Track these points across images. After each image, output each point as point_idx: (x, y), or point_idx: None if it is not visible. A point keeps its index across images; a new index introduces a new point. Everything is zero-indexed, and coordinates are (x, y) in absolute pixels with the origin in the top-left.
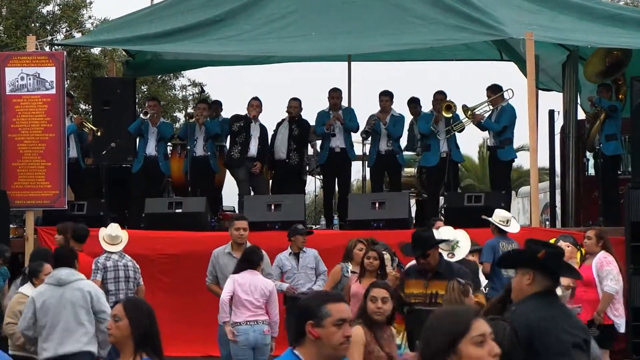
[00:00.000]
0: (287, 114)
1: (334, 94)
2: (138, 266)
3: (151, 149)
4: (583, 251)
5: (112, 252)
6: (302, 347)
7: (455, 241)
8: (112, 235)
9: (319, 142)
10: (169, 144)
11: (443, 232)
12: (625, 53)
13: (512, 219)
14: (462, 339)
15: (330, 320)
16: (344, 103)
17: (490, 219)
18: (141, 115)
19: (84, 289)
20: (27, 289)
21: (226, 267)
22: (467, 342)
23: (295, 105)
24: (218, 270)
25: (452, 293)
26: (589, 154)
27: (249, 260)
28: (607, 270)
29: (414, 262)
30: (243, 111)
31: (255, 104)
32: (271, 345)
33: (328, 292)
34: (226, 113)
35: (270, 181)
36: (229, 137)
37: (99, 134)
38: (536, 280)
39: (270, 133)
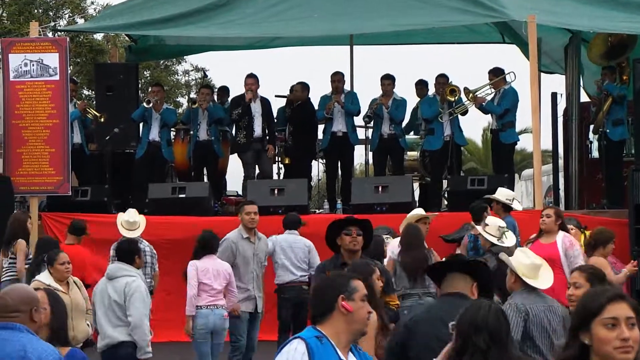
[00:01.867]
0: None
1: (336, 78)
2: (155, 252)
3: (154, 135)
4: (587, 233)
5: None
6: (327, 322)
7: (505, 228)
8: (130, 221)
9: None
10: (172, 129)
11: (490, 222)
12: (630, 36)
13: (515, 199)
14: (594, 320)
15: (359, 295)
16: (347, 87)
17: (496, 197)
18: (144, 103)
19: (123, 285)
20: (44, 277)
21: (245, 251)
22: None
23: (298, 88)
24: (238, 256)
25: None
26: (592, 136)
27: (208, 246)
28: (577, 250)
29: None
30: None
31: (250, 82)
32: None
33: (348, 272)
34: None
35: (283, 167)
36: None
37: (102, 120)
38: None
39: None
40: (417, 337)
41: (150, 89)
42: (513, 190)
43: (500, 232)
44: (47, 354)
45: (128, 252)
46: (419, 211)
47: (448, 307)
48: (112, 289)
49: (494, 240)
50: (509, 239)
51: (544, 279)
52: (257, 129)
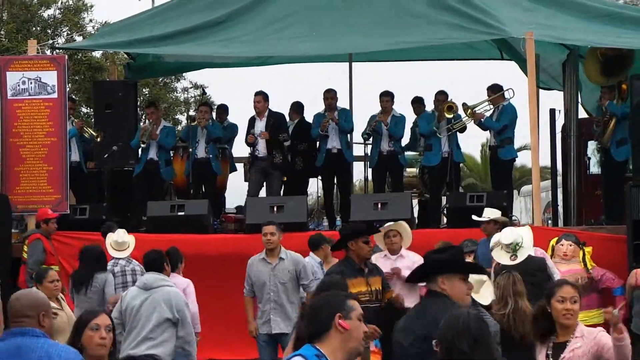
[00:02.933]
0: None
1: (329, 95)
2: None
3: (152, 154)
4: (587, 250)
5: (119, 258)
6: (324, 341)
7: (515, 243)
8: (119, 242)
9: None
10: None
11: (504, 232)
12: (625, 54)
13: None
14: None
15: (355, 314)
16: (346, 104)
17: (482, 218)
18: (143, 141)
19: (167, 296)
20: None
21: (260, 273)
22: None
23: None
24: (253, 276)
25: (520, 284)
26: (590, 152)
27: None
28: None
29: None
30: (249, 112)
31: (256, 100)
32: None
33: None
34: (230, 116)
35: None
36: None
37: (98, 139)
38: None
39: None
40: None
41: (146, 111)
42: (512, 207)
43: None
44: (71, 358)
45: (158, 260)
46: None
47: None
48: (151, 299)
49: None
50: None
51: (484, 296)
52: (261, 148)
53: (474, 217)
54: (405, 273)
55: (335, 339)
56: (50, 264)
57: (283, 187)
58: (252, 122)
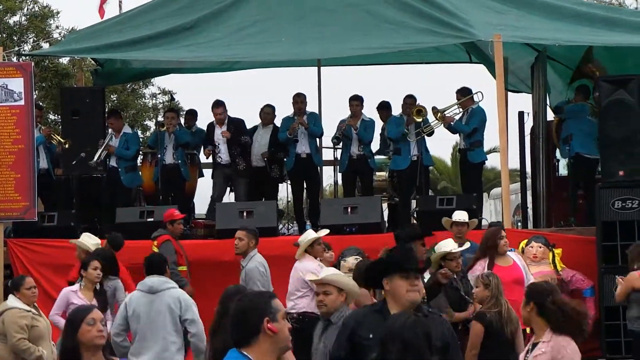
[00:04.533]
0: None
1: (298, 99)
2: None
3: (113, 162)
4: (557, 252)
5: None
6: (253, 346)
7: None
8: (94, 243)
9: None
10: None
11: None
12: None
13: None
14: None
15: (281, 314)
16: (315, 108)
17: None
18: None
19: (175, 297)
20: (13, 301)
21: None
22: None
23: (268, 111)
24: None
25: (500, 285)
26: (559, 155)
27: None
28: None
29: None
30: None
31: (218, 112)
32: None
33: (266, 290)
34: (198, 121)
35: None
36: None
37: (67, 146)
38: None
39: None
40: None
41: (106, 121)
42: (482, 209)
43: None
44: None
45: (160, 263)
46: (309, 234)
47: None
48: (159, 301)
49: None
50: None
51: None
52: (223, 155)
53: (455, 218)
54: None
55: (265, 342)
56: (179, 264)
57: (260, 192)
58: (211, 130)
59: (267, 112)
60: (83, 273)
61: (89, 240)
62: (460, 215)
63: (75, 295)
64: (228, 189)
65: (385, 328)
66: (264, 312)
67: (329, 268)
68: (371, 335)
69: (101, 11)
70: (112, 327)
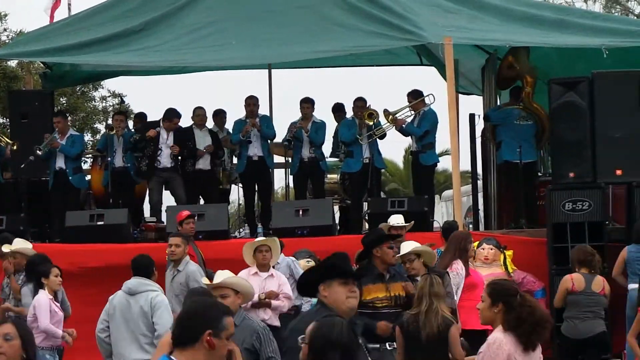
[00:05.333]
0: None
1: (250, 101)
2: None
3: (61, 163)
4: (508, 253)
5: None
6: (187, 351)
7: None
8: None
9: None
10: (89, 156)
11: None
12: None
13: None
14: None
15: (227, 333)
16: (266, 110)
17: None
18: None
19: (149, 300)
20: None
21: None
22: None
23: (201, 113)
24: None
25: (437, 286)
26: None
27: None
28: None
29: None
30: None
31: (175, 122)
32: None
33: (223, 304)
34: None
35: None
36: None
37: (14, 147)
38: None
39: None
40: None
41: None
42: (433, 211)
43: None
44: None
45: (146, 266)
46: (261, 238)
47: None
48: (135, 304)
49: None
50: None
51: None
52: (163, 160)
53: (393, 222)
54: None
55: (199, 353)
56: None
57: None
58: (157, 134)
59: (201, 115)
60: (44, 281)
61: (27, 246)
62: (398, 219)
63: (52, 303)
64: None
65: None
66: (210, 323)
67: (225, 271)
68: None
69: (52, 17)
70: (98, 324)
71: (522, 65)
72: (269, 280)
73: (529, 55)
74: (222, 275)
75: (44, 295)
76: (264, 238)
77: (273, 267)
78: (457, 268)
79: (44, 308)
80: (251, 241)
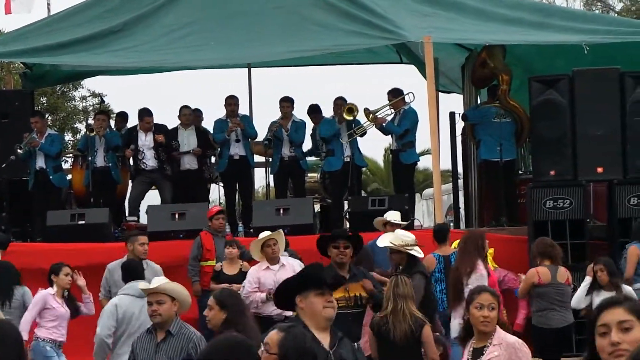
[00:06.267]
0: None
1: (231, 101)
2: None
3: (41, 163)
4: (489, 252)
5: None
6: None
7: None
8: None
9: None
10: (70, 155)
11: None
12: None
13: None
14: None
15: None
16: (246, 109)
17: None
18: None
19: None
20: None
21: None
22: (596, 333)
23: (188, 113)
24: (112, 284)
25: (403, 287)
26: None
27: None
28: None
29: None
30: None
31: (147, 120)
32: None
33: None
34: (129, 123)
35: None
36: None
37: None
38: None
39: None
40: None
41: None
42: (414, 210)
43: None
44: None
45: (139, 270)
46: (266, 233)
47: None
48: (145, 307)
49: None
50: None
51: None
52: (149, 162)
53: (390, 219)
54: None
55: None
56: (205, 259)
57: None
58: (134, 135)
59: (187, 114)
60: (54, 279)
61: None
62: (395, 216)
63: (52, 298)
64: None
65: (294, 347)
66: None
67: (161, 277)
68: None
69: (7, 7)
70: (101, 328)
71: (497, 62)
72: (282, 271)
73: (504, 54)
74: (159, 281)
75: (42, 291)
76: (269, 233)
77: None
78: (481, 269)
79: (35, 301)
80: (256, 239)
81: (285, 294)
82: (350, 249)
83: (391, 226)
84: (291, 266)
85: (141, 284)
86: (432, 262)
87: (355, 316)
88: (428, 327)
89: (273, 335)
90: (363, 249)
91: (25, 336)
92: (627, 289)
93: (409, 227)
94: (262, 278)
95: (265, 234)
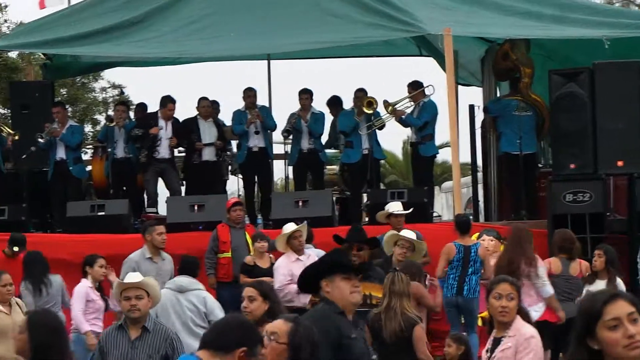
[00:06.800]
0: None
1: (250, 93)
2: None
3: (61, 154)
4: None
5: None
6: (216, 357)
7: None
8: None
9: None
10: (89, 147)
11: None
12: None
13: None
14: (597, 324)
15: (260, 358)
16: (265, 101)
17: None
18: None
19: (201, 298)
20: None
21: (148, 273)
22: (602, 326)
23: (207, 104)
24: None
25: (400, 284)
26: None
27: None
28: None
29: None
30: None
31: (170, 107)
32: None
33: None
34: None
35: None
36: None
37: (16, 138)
38: None
39: None
40: None
41: (52, 110)
42: (433, 203)
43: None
44: None
45: (195, 265)
46: (290, 226)
47: None
48: (184, 300)
49: None
50: None
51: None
52: (162, 151)
53: (392, 210)
54: None
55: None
56: (221, 251)
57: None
58: (154, 120)
59: (207, 106)
60: (88, 270)
61: None
62: (398, 207)
63: (92, 291)
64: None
65: (302, 338)
66: (249, 343)
67: (136, 273)
68: (353, 335)
69: (41, 1)
70: None
71: (519, 55)
72: (311, 261)
73: (527, 47)
74: (136, 277)
75: (82, 283)
76: (294, 225)
77: None
78: (541, 263)
79: (78, 294)
80: (281, 232)
81: (310, 277)
82: (366, 250)
83: (395, 217)
84: (317, 256)
85: (128, 276)
86: (452, 250)
87: (361, 315)
88: (419, 326)
89: (281, 325)
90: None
91: (86, 327)
92: (619, 281)
93: (428, 220)
94: (294, 269)
95: (290, 226)
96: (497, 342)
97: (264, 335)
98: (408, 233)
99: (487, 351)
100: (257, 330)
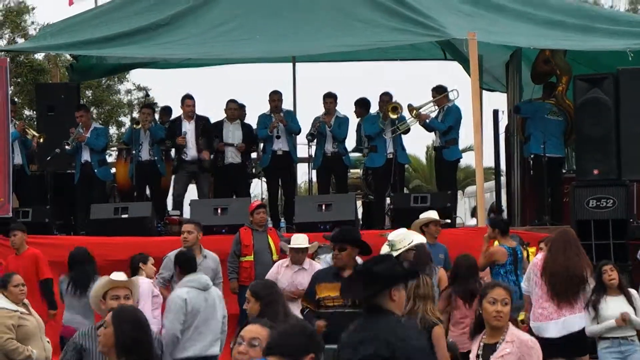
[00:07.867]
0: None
1: (275, 97)
2: None
3: (87, 156)
4: (531, 250)
5: None
6: None
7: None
8: None
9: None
10: (114, 149)
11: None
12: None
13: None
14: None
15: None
16: (290, 105)
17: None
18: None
19: (219, 295)
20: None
21: None
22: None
23: (234, 107)
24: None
25: (424, 287)
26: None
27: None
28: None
29: (319, 266)
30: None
31: (189, 103)
32: None
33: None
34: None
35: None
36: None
37: (41, 140)
38: None
39: None
40: None
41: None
42: (456, 207)
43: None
44: None
45: (194, 261)
46: (430, 214)
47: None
48: (210, 298)
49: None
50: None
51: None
52: (190, 152)
53: (432, 216)
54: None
55: None
56: (244, 254)
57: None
58: (178, 124)
59: (234, 108)
60: (142, 266)
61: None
62: (435, 214)
63: (154, 286)
64: (191, 186)
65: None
66: (316, 350)
67: (120, 272)
68: None
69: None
70: (172, 323)
71: (559, 61)
72: (312, 269)
73: (564, 52)
74: (121, 276)
75: (145, 280)
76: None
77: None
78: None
79: (147, 291)
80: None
81: (379, 286)
82: (349, 250)
83: (435, 225)
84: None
85: (115, 275)
86: (504, 254)
87: (351, 316)
88: (439, 327)
89: (260, 330)
90: (420, 249)
91: (154, 329)
92: (633, 292)
93: (451, 225)
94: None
95: (301, 241)
96: (490, 347)
97: (239, 340)
98: (419, 238)
99: (477, 357)
100: (320, 337)
